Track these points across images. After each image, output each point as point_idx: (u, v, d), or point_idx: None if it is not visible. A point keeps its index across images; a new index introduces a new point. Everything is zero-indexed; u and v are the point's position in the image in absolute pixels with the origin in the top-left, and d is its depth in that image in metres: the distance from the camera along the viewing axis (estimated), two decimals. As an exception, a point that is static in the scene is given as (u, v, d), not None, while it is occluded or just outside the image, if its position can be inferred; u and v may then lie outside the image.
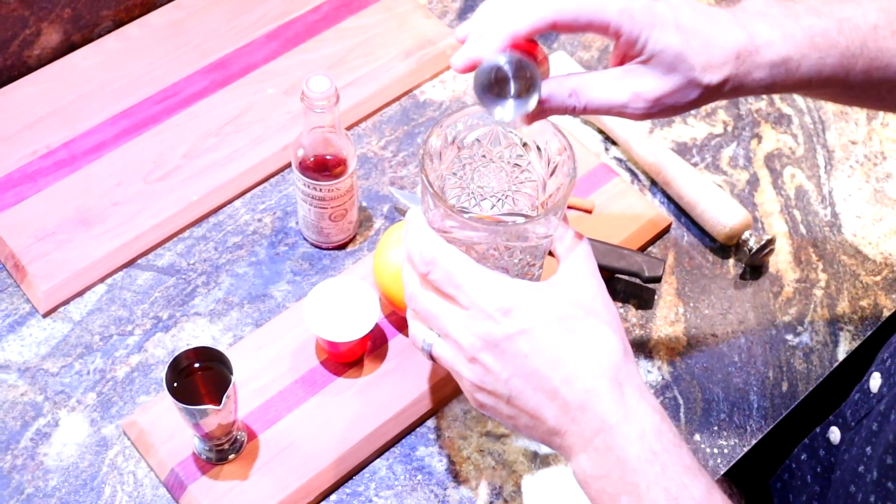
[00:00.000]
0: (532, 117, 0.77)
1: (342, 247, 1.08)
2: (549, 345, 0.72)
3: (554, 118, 0.79)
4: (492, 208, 0.84)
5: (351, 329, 0.94)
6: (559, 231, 0.77)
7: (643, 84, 0.78)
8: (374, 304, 0.95)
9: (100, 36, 1.21)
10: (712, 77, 0.78)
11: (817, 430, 0.98)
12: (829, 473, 0.96)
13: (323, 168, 0.99)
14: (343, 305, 0.96)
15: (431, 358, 0.78)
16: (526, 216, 0.83)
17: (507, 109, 0.75)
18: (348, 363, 0.98)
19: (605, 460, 0.71)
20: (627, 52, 0.78)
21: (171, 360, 0.86)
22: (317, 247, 1.07)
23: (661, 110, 0.79)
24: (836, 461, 0.93)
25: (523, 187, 0.82)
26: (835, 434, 0.94)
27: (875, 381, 0.88)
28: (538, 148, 0.79)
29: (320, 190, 1.00)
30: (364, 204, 1.10)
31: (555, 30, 0.76)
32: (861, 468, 0.86)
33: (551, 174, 0.79)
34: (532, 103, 0.76)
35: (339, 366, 0.98)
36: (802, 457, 1.01)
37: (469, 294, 0.73)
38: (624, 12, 0.76)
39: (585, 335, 0.73)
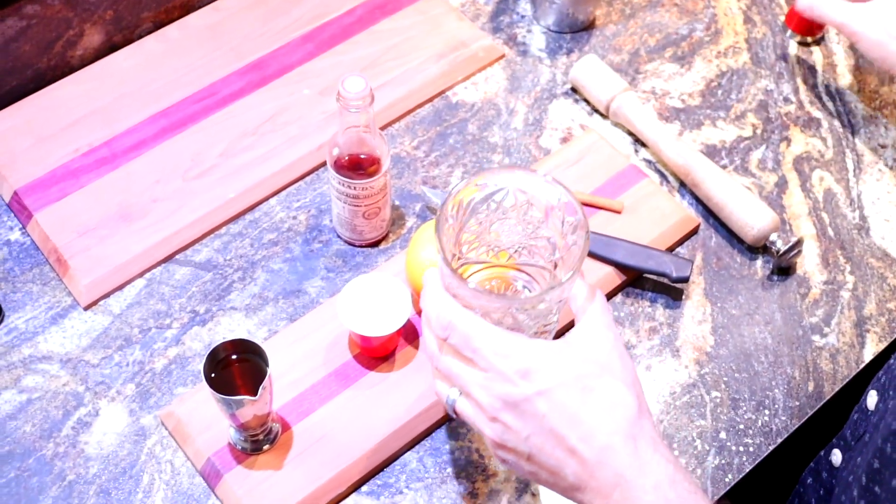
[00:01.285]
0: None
1: (375, 244, 1.10)
2: (566, 404, 0.74)
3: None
4: (508, 259, 0.86)
5: (383, 324, 0.96)
6: (575, 287, 0.80)
7: None
8: (407, 300, 0.97)
9: (140, 37, 1.24)
10: None
11: (821, 453, 0.99)
12: (830, 495, 0.97)
13: (357, 167, 1.01)
14: (376, 301, 0.98)
15: (455, 413, 0.81)
16: (540, 268, 0.85)
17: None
18: (380, 357, 1.00)
19: None
20: None
21: (208, 351, 0.88)
22: (350, 244, 1.09)
23: None
24: (837, 482, 0.94)
25: (538, 241, 0.85)
26: (836, 456, 0.95)
27: (872, 400, 0.90)
28: (552, 208, 0.82)
29: (354, 188, 1.02)
30: (397, 203, 1.12)
31: None
32: (851, 477, 0.87)
33: (565, 234, 0.81)
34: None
35: (371, 360, 1.00)
36: (808, 480, 1.02)
37: (487, 357, 0.76)
38: None
39: (601, 393, 0.75)
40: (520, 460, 0.77)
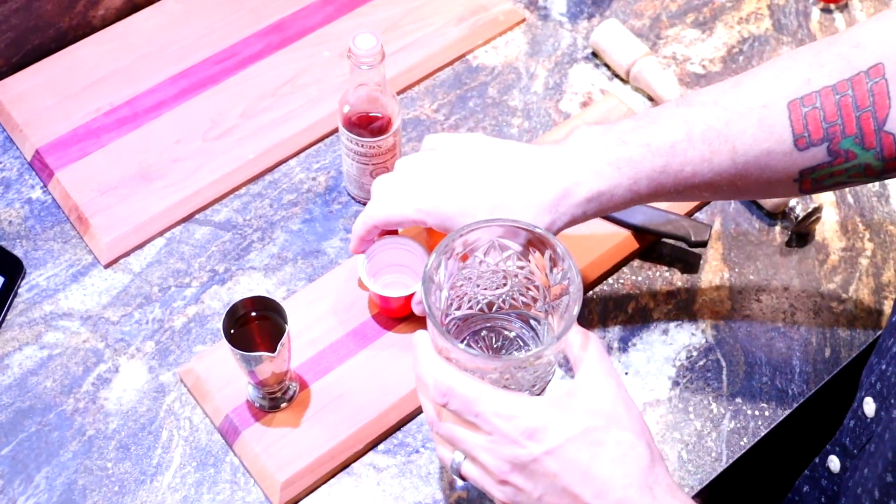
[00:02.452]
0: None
1: None
2: (577, 461, 0.73)
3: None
4: (495, 309, 0.86)
5: (403, 285, 0.97)
6: (570, 335, 0.78)
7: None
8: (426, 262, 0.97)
9: (162, -2, 1.25)
10: (540, 221, 0.86)
11: (816, 460, 0.98)
12: (834, 503, 0.96)
13: (368, 125, 1.01)
14: (396, 262, 0.98)
15: (461, 476, 0.79)
16: (532, 315, 0.86)
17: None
18: (399, 318, 1.01)
19: None
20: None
21: (228, 308, 0.89)
22: (359, 202, 1.10)
23: None
24: (841, 489, 0.94)
25: (526, 290, 0.84)
26: (834, 463, 0.94)
27: (869, 407, 0.88)
28: (537, 256, 0.81)
29: (363, 146, 1.02)
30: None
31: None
32: (859, 490, 0.86)
33: (555, 281, 0.81)
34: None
35: (389, 321, 1.01)
36: (805, 489, 1.01)
37: (490, 421, 0.73)
38: (421, 212, 0.89)
39: (611, 446, 0.73)
40: None
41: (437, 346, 0.78)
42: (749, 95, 0.87)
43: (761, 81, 0.87)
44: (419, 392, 0.81)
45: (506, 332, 0.88)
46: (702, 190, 0.89)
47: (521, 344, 0.88)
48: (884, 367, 0.88)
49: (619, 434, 0.74)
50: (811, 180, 0.88)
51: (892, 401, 0.86)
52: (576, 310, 0.76)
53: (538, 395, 0.82)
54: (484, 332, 0.88)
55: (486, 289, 0.85)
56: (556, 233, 0.87)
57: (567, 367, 0.92)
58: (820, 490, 0.97)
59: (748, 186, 0.89)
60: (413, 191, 0.90)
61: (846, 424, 0.93)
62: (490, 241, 0.82)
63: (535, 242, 0.81)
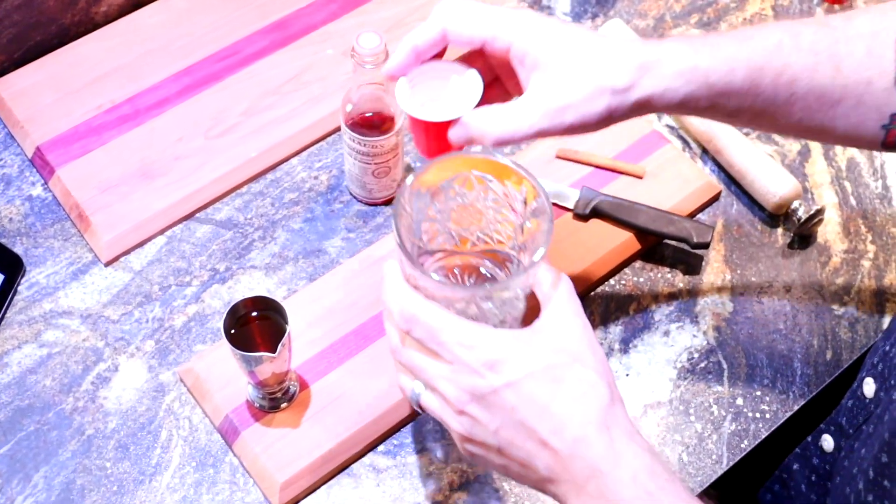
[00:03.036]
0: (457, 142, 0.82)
1: (390, 202, 1.09)
2: (536, 396, 0.72)
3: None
4: (470, 246, 0.85)
5: (451, 108, 0.83)
6: (540, 273, 0.77)
7: (547, 103, 0.79)
8: (478, 81, 0.84)
9: (164, -6, 1.24)
10: (617, 81, 0.78)
11: (808, 438, 0.98)
12: (825, 481, 0.96)
13: (370, 124, 1.01)
14: (440, 88, 0.85)
15: (420, 408, 0.79)
16: (504, 254, 0.83)
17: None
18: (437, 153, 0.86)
19: None
20: (525, 68, 0.80)
21: (228, 307, 0.89)
22: (360, 201, 1.10)
23: (570, 127, 0.80)
24: (835, 469, 0.93)
25: (500, 226, 0.83)
26: (827, 442, 0.94)
27: (869, 387, 0.88)
28: (512, 192, 0.80)
29: (365, 145, 1.02)
30: (418, 164, 1.12)
31: (451, 44, 0.82)
32: (854, 469, 0.86)
33: (528, 217, 0.79)
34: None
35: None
36: (794, 466, 1.01)
37: (452, 350, 0.73)
38: (511, 26, 0.79)
39: (571, 383, 0.73)
40: (489, 454, 0.75)
41: (406, 275, 0.77)
42: (858, 24, 0.83)
43: (869, 16, 0.84)
44: (385, 319, 0.81)
45: (478, 271, 0.86)
46: (790, 107, 0.84)
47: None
48: (888, 348, 0.88)
49: (581, 372, 0.73)
50: None
51: (893, 381, 0.86)
52: (545, 246, 0.75)
53: None
54: (456, 270, 0.87)
55: (458, 224, 0.84)
56: (624, 111, 0.81)
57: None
58: (811, 468, 0.97)
59: (834, 121, 0.85)
60: (494, 8, 0.83)
61: (844, 404, 0.93)
62: (466, 175, 0.80)
63: (510, 176, 0.79)
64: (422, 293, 0.76)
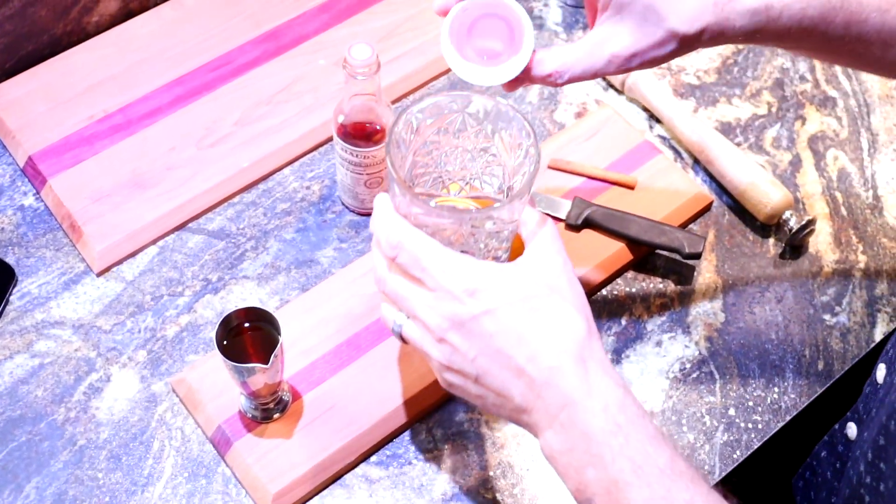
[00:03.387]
0: (512, 85, 0.81)
1: None
2: (513, 324, 0.74)
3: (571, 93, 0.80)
4: (459, 192, 0.85)
5: (504, 68, 0.81)
6: (525, 214, 0.79)
7: (618, 43, 0.79)
8: (528, 24, 0.81)
9: (156, 4, 1.24)
10: (689, 27, 0.78)
11: (836, 426, 0.99)
12: (845, 468, 0.97)
13: (362, 135, 1.01)
14: (489, 33, 0.82)
15: (402, 339, 0.80)
16: (493, 199, 0.84)
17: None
18: None
19: (570, 435, 0.73)
20: (598, 7, 0.80)
21: (221, 318, 0.89)
22: (353, 211, 1.10)
23: (641, 64, 0.80)
24: (851, 455, 0.94)
25: (490, 171, 0.83)
26: (852, 430, 0.95)
27: (880, 373, 0.89)
28: (504, 134, 0.81)
29: (357, 156, 1.02)
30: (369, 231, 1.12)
31: None
32: (858, 452, 0.87)
33: (517, 159, 0.80)
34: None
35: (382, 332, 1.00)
36: (822, 454, 1.02)
37: (435, 276, 0.75)
38: None
39: (549, 314, 0.74)
40: (467, 382, 0.77)
41: (395, 204, 0.78)
42: None
43: None
44: (373, 248, 0.82)
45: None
46: (857, 45, 0.84)
47: None
48: None
49: (559, 304, 0.75)
50: None
51: None
52: (533, 181, 0.76)
53: None
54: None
55: (448, 167, 0.84)
56: (689, 51, 0.80)
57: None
58: (836, 456, 0.98)
59: None
60: None
61: (863, 391, 0.94)
62: (459, 117, 0.81)
63: (502, 117, 0.80)
64: (410, 221, 0.77)
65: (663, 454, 0.72)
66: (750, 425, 1.00)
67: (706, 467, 0.97)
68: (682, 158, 1.16)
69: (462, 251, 0.78)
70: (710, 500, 0.71)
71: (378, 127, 1.01)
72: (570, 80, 0.81)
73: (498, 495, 0.95)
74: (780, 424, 1.00)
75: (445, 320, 0.75)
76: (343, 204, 1.10)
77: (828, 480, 1.01)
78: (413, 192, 0.76)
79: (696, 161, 1.16)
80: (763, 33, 0.80)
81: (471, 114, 0.81)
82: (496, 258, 0.82)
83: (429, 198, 0.86)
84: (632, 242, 1.07)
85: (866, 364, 1.03)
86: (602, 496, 0.72)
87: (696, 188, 1.12)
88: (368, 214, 1.09)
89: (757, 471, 1.01)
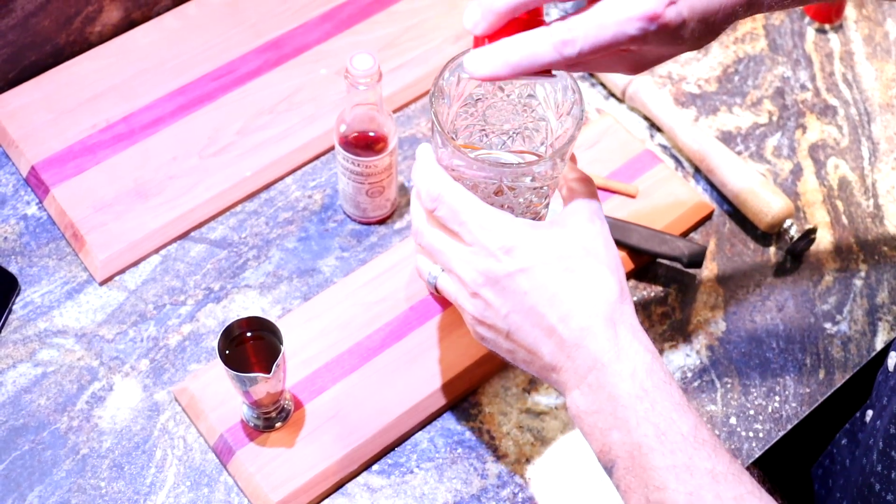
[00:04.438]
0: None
1: (383, 222, 1.10)
2: (547, 283, 0.75)
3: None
4: (502, 145, 0.85)
5: None
6: (566, 172, 0.80)
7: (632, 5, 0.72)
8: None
9: (159, 14, 1.24)
10: None
11: (857, 414, 0.99)
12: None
13: (364, 144, 1.02)
14: None
15: (436, 290, 0.81)
16: (535, 154, 0.84)
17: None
18: None
19: (597, 396, 0.74)
20: None
21: (223, 328, 0.89)
22: (355, 220, 1.10)
23: (658, 29, 0.72)
24: (863, 443, 0.95)
25: (533, 126, 0.83)
26: (869, 416, 0.95)
27: (892, 361, 0.90)
28: (549, 89, 0.81)
29: (358, 165, 1.02)
30: (410, 184, 1.13)
31: None
32: (871, 441, 0.87)
33: (560, 116, 0.81)
34: None
35: (387, 338, 1.01)
36: (843, 441, 1.02)
37: (472, 231, 0.76)
38: None
39: (583, 275, 0.75)
40: (498, 337, 0.78)
41: (437, 156, 0.79)
42: None
43: None
44: (412, 199, 0.82)
45: None
46: None
47: None
48: None
49: (594, 266, 0.76)
50: None
51: None
52: (574, 140, 0.76)
53: None
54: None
55: (494, 115, 0.84)
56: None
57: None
58: (856, 443, 0.98)
59: None
60: None
61: (877, 379, 0.94)
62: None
63: (552, 77, 0.78)
64: (451, 174, 0.78)
65: (688, 421, 0.73)
66: (751, 434, 1.00)
67: (707, 476, 0.97)
68: (682, 167, 1.17)
69: (501, 205, 0.78)
70: (732, 470, 0.72)
71: (380, 136, 1.01)
72: (584, 54, 0.72)
73: (499, 504, 0.95)
74: (781, 433, 1.00)
75: (480, 275, 0.76)
76: (345, 213, 1.10)
77: (846, 468, 1.01)
78: (455, 144, 0.76)
79: (697, 170, 1.16)
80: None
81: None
82: (535, 213, 0.82)
83: (471, 150, 0.85)
84: (633, 251, 1.07)
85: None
86: (625, 459, 0.73)
87: (696, 197, 1.12)
88: (371, 223, 1.10)
89: (777, 459, 1.01)
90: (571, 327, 0.74)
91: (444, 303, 1.02)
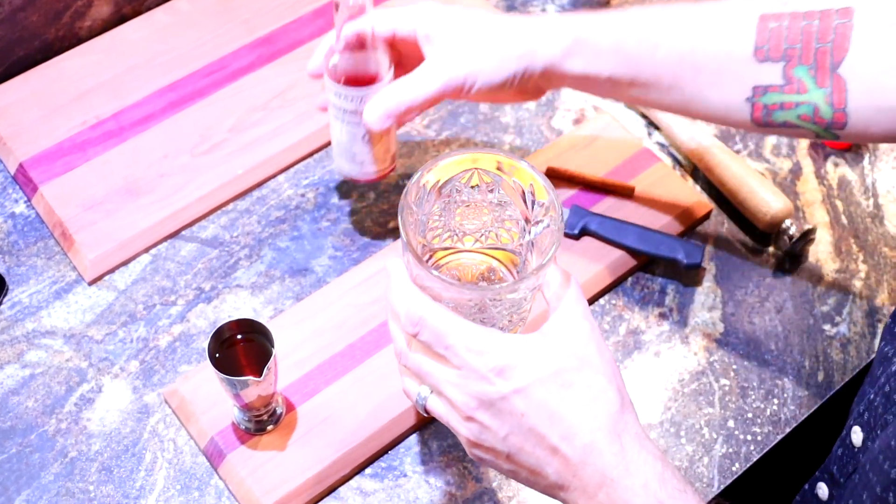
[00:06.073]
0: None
1: (377, 182, 1.05)
2: (545, 402, 0.71)
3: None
4: (474, 243, 0.83)
5: None
6: (548, 274, 0.76)
7: (450, 69, 0.88)
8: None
9: (149, 9, 1.23)
10: (520, 49, 0.88)
11: (805, 486, 0.97)
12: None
13: (358, 78, 0.94)
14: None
15: (426, 412, 0.78)
16: (511, 251, 0.82)
17: None
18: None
19: None
20: (430, 45, 0.90)
21: (213, 330, 0.87)
22: (353, 181, 1.04)
23: (477, 91, 0.89)
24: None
25: (506, 224, 0.82)
26: (822, 490, 0.93)
27: (856, 436, 0.87)
28: (521, 190, 0.79)
29: (353, 100, 0.94)
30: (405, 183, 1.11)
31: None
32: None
33: (536, 215, 0.78)
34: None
35: (378, 340, 0.99)
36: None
37: (460, 354, 0.72)
38: (410, 13, 0.90)
39: (581, 389, 0.72)
40: (498, 459, 0.74)
41: (412, 275, 0.76)
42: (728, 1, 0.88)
43: None
44: (389, 321, 0.79)
45: (484, 273, 0.85)
46: (655, 71, 0.88)
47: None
48: (871, 396, 0.87)
49: (591, 377, 0.73)
50: (762, 105, 0.86)
51: (878, 431, 0.85)
52: (555, 246, 0.74)
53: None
54: (462, 269, 0.85)
55: (463, 221, 0.82)
56: (529, 76, 0.90)
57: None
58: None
59: (700, 90, 0.88)
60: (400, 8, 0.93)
61: (834, 452, 0.92)
62: (473, 173, 0.79)
63: (517, 174, 0.78)
64: (428, 293, 0.75)
65: None
66: (749, 437, 0.99)
67: (705, 480, 0.96)
68: (680, 166, 1.15)
69: (483, 320, 0.76)
70: None
71: (374, 75, 0.94)
72: (412, 112, 0.91)
73: (494, 508, 0.94)
74: (780, 437, 0.99)
75: (473, 399, 0.72)
76: (340, 174, 1.05)
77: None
78: (430, 269, 0.73)
79: (695, 169, 1.15)
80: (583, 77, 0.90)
81: (483, 172, 0.79)
82: (519, 318, 0.80)
83: (448, 254, 0.84)
84: (630, 252, 1.06)
85: (833, 415, 1.01)
86: None
87: (695, 196, 1.11)
88: (371, 181, 1.04)
89: (757, 486, 1.00)
90: (575, 445, 0.71)
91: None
